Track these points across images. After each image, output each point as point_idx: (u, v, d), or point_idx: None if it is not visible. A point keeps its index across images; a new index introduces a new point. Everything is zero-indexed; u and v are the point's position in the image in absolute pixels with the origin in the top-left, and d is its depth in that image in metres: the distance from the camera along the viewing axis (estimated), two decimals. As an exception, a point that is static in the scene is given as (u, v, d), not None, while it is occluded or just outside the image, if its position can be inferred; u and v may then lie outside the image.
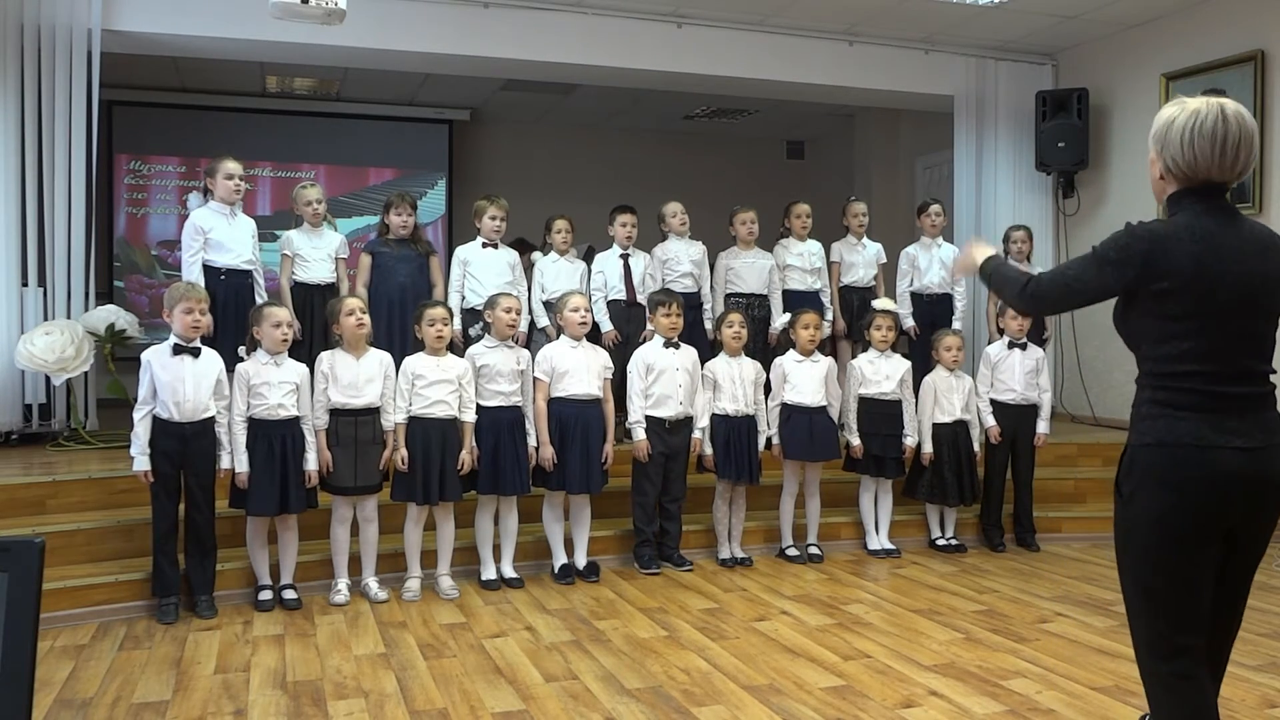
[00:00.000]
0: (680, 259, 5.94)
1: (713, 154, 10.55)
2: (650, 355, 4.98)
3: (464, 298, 5.54)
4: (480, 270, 5.54)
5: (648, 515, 4.99)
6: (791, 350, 5.29)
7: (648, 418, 4.90)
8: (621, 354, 5.24)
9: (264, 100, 9.30)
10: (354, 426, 4.43)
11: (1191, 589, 2.09)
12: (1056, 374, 6.75)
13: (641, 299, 5.78)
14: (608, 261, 5.88)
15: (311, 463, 4.37)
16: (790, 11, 6.67)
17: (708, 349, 5.73)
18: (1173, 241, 2.06)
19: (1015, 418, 5.41)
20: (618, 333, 5.74)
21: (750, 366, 5.17)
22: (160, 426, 4.12)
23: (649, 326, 5.68)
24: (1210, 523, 2.07)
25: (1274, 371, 2.16)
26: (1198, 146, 2.07)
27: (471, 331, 5.40)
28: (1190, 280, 2.04)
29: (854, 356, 5.79)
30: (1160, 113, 2.16)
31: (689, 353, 5.07)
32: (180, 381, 4.12)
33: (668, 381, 4.93)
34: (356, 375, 4.46)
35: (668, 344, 5.00)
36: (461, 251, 5.65)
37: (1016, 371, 5.41)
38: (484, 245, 5.61)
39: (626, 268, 5.85)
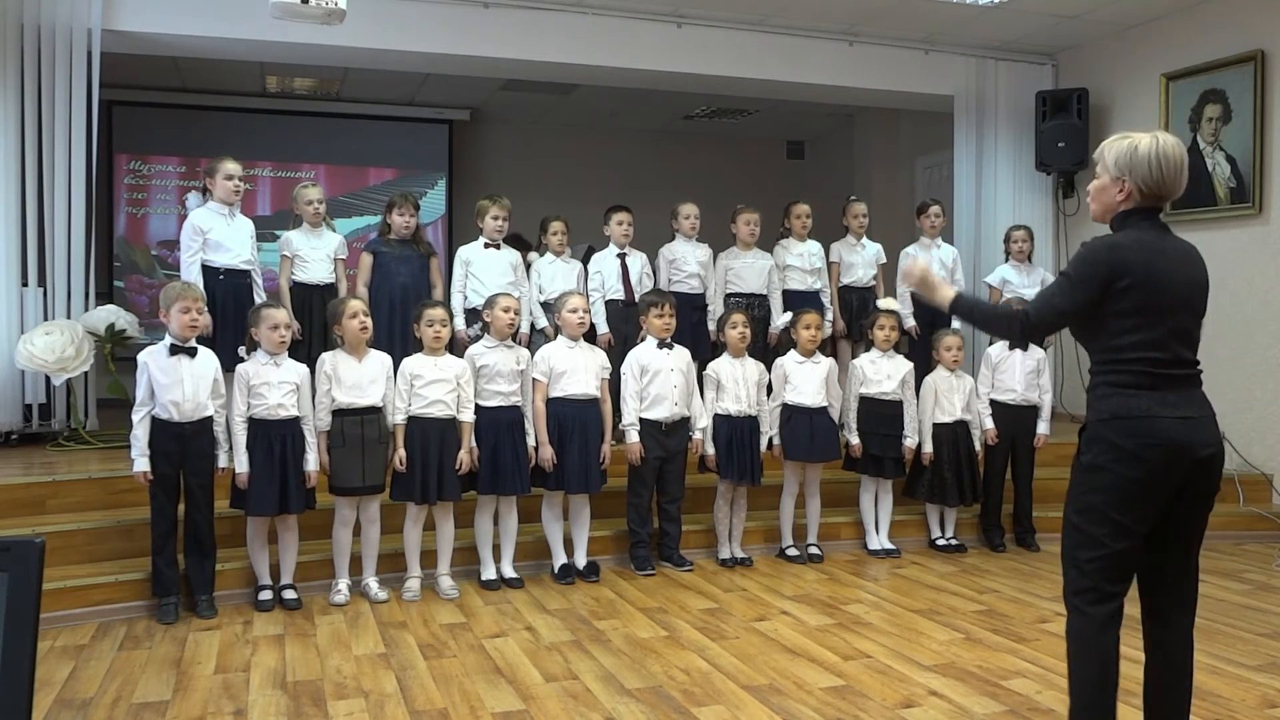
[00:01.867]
0: (687, 259, 5.94)
1: (713, 154, 10.55)
2: (644, 356, 4.97)
3: (466, 298, 5.54)
4: (482, 270, 5.53)
5: (642, 517, 4.99)
6: (793, 351, 5.29)
7: (642, 420, 4.90)
8: (619, 355, 5.22)
9: (264, 100, 9.30)
10: (360, 426, 4.44)
11: (1131, 544, 2.43)
12: (1057, 374, 6.75)
13: (638, 300, 5.78)
14: (605, 262, 5.87)
15: (311, 463, 4.37)
16: (790, 11, 6.66)
17: (710, 350, 5.73)
18: (1126, 250, 2.42)
19: (1015, 418, 5.40)
20: (611, 336, 5.71)
21: (754, 367, 5.17)
22: (159, 427, 4.12)
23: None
24: (1160, 482, 2.40)
25: (1199, 361, 2.52)
26: (1166, 170, 2.44)
27: (470, 333, 5.40)
28: (1141, 282, 2.40)
29: (854, 356, 5.79)
30: (1115, 143, 2.50)
31: (682, 353, 5.06)
32: (178, 382, 4.12)
33: (663, 382, 4.92)
34: (360, 376, 4.46)
35: (661, 344, 4.99)
36: (464, 252, 5.65)
37: (1017, 372, 5.41)
38: (486, 245, 5.60)
39: (624, 267, 5.85)
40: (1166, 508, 2.45)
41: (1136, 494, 2.39)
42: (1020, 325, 2.58)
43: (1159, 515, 2.45)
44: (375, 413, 4.49)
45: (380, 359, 4.57)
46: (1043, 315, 2.52)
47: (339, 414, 4.43)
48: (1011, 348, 5.41)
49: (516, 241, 6.68)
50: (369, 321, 4.54)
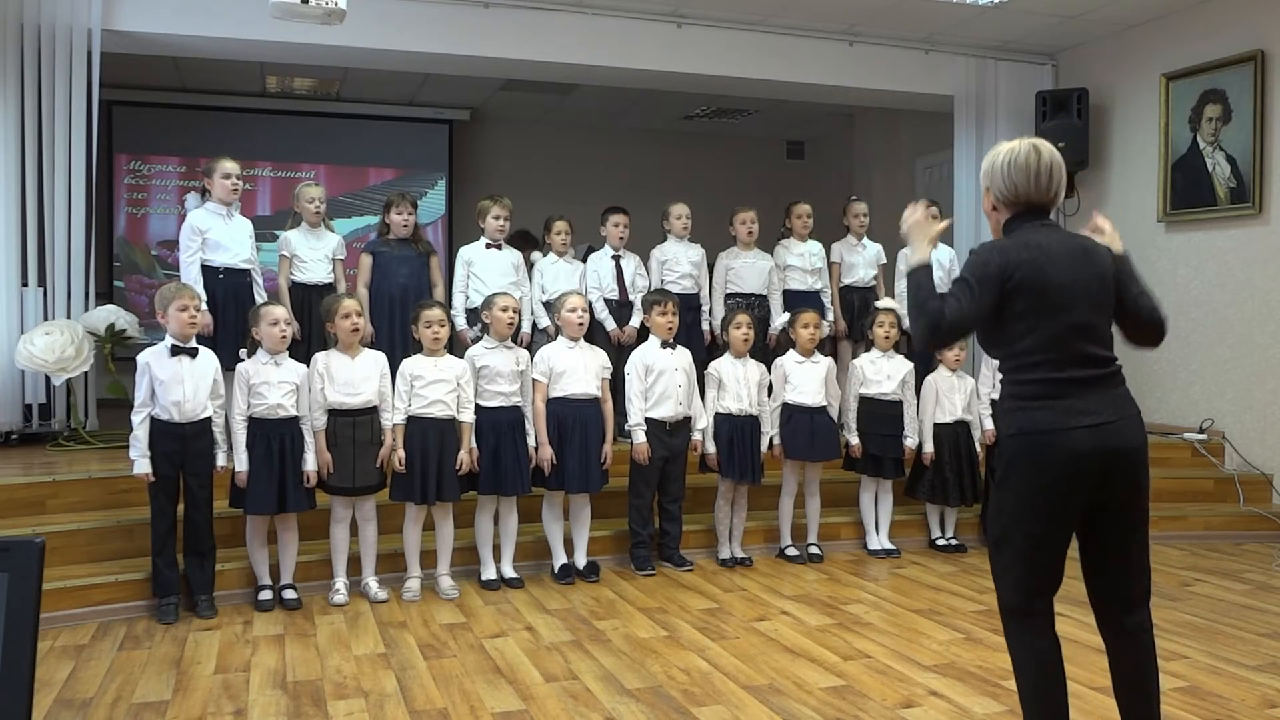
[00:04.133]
0: (679, 260, 5.94)
1: (713, 154, 10.55)
2: (649, 356, 4.97)
3: (468, 298, 5.53)
4: (484, 271, 5.53)
5: (643, 518, 4.99)
6: (792, 350, 5.29)
7: (647, 420, 4.90)
8: (612, 355, 5.21)
9: (264, 100, 9.30)
10: (352, 427, 4.43)
11: (1053, 558, 2.41)
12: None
13: (631, 299, 5.80)
14: (601, 262, 5.89)
15: (310, 463, 4.37)
16: (790, 11, 6.66)
17: (705, 350, 5.73)
18: (1011, 250, 2.41)
19: (1016, 418, 5.40)
20: (620, 331, 5.73)
21: (755, 367, 5.17)
22: (159, 428, 4.12)
23: (633, 324, 5.69)
24: (1071, 496, 2.36)
25: (1115, 357, 2.44)
26: (1015, 176, 2.46)
27: (472, 334, 5.40)
28: (1029, 283, 2.37)
29: (855, 356, 5.79)
30: (989, 153, 2.54)
31: (685, 353, 5.07)
32: (179, 382, 4.13)
33: (667, 382, 4.92)
34: (352, 374, 4.46)
35: (664, 344, 4.99)
36: (465, 252, 5.65)
37: (1017, 372, 5.40)
38: (487, 246, 5.61)
39: (618, 268, 5.87)
40: (1090, 516, 2.40)
41: (1048, 507, 2.36)
42: (934, 322, 2.38)
43: (1078, 525, 2.41)
44: (368, 413, 4.48)
45: (374, 357, 4.57)
46: (956, 316, 2.37)
47: (331, 414, 4.43)
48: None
49: (524, 238, 6.68)
50: (360, 322, 4.54)
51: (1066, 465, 2.32)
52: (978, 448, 5.42)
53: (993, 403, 5.42)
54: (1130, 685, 2.49)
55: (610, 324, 5.73)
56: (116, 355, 5.83)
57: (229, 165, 5.19)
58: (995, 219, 2.56)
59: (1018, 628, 2.47)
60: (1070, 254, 2.42)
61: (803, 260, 6.18)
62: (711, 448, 5.06)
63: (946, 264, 6.38)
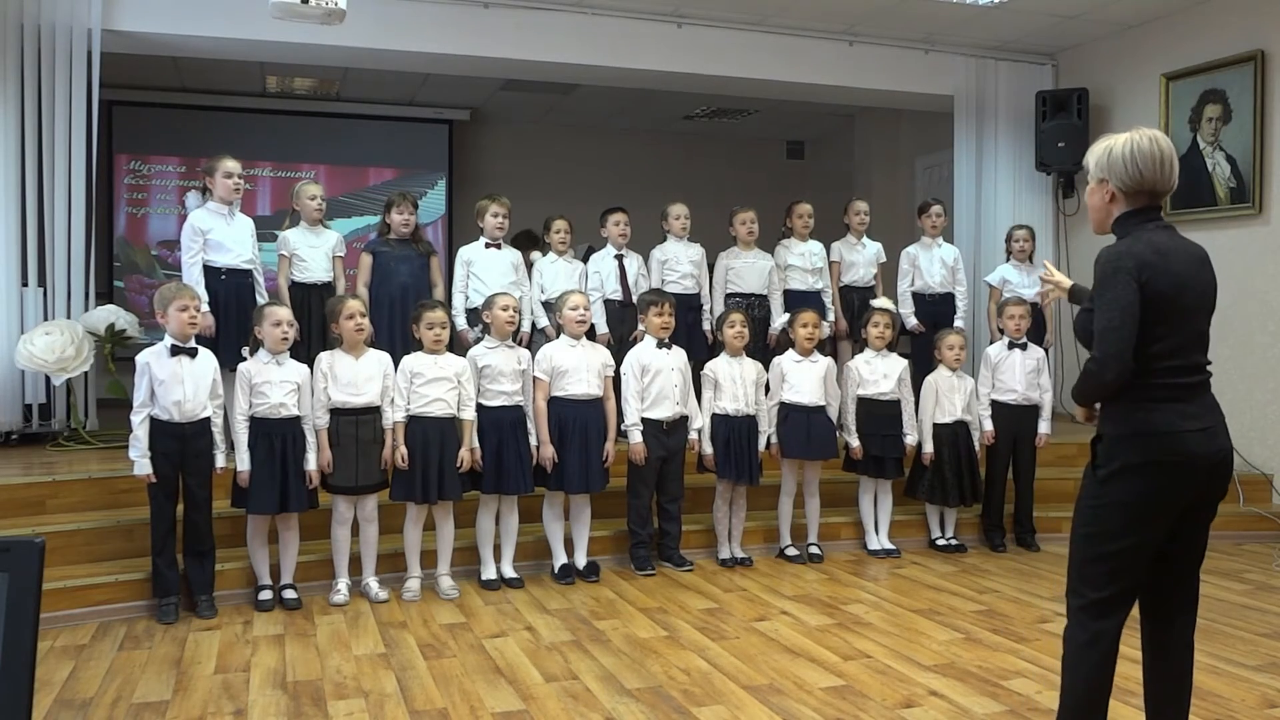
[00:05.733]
0: (680, 259, 5.93)
1: (713, 154, 10.55)
2: (645, 356, 4.97)
3: (468, 298, 5.53)
4: (484, 270, 5.53)
5: (642, 518, 4.99)
6: (790, 350, 5.29)
7: (644, 420, 4.90)
8: (615, 354, 5.21)
9: (264, 100, 9.30)
10: (355, 426, 4.44)
11: (1143, 558, 2.42)
12: (1056, 374, 6.75)
13: (635, 300, 5.79)
14: (603, 262, 5.89)
15: (312, 462, 4.38)
16: (790, 11, 6.66)
17: (705, 350, 5.73)
18: (1142, 253, 2.36)
19: (1016, 418, 5.40)
20: (610, 335, 5.72)
21: (751, 366, 5.17)
22: (158, 428, 4.12)
23: (640, 327, 5.69)
24: (1177, 499, 2.38)
25: (1210, 363, 2.48)
26: (1141, 163, 2.40)
27: (473, 334, 5.40)
28: (1163, 290, 2.34)
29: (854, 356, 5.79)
30: (1095, 147, 2.51)
31: (680, 353, 5.07)
32: (179, 382, 4.13)
33: (664, 382, 4.93)
34: (356, 375, 4.46)
35: (660, 344, 4.99)
36: (465, 251, 5.65)
37: (1018, 372, 5.40)
38: (487, 245, 5.61)
39: (621, 268, 5.86)
40: (1179, 519, 2.42)
41: (1155, 509, 2.37)
42: (1095, 370, 2.37)
43: (1172, 527, 2.43)
44: (371, 413, 4.49)
45: (378, 357, 4.57)
46: (1105, 345, 2.33)
47: (333, 413, 4.44)
48: (1014, 345, 5.39)
49: (527, 237, 6.67)
50: (365, 322, 4.55)
51: (1180, 467, 2.35)
52: (977, 448, 5.42)
53: (994, 403, 5.43)
54: (1167, 683, 2.53)
55: (602, 327, 5.71)
56: (116, 355, 5.83)
57: (230, 164, 5.18)
58: (1108, 211, 2.48)
59: (1091, 625, 2.44)
60: (1190, 261, 2.42)
61: (803, 260, 6.17)
62: (708, 448, 5.06)
63: (950, 262, 6.39)
